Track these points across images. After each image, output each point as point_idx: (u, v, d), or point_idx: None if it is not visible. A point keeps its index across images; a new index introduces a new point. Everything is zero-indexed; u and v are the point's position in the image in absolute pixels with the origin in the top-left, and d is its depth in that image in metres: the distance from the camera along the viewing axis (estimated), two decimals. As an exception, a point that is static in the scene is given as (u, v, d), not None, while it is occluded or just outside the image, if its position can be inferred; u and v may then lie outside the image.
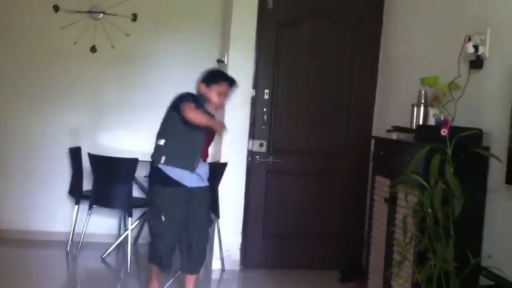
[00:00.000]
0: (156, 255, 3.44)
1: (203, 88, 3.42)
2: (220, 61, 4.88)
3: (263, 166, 4.56)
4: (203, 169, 3.45)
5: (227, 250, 4.48)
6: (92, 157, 4.49)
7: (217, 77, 3.51)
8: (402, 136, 3.37)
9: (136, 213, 4.67)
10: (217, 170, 4.33)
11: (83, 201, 4.70)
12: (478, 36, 3.10)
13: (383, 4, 4.62)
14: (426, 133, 3.12)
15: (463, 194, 2.54)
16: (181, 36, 5.17)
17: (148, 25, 5.19)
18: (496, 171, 2.86)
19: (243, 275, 4.51)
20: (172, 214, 3.34)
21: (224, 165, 4.41)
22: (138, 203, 4.59)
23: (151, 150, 3.44)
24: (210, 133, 3.46)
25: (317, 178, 4.63)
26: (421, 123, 3.35)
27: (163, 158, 3.31)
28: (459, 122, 3.11)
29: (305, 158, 4.61)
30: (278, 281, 4.37)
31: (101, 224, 5.00)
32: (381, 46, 4.64)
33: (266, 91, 4.57)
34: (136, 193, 4.80)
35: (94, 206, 4.55)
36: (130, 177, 4.47)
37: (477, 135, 2.91)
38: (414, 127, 3.38)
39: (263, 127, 4.56)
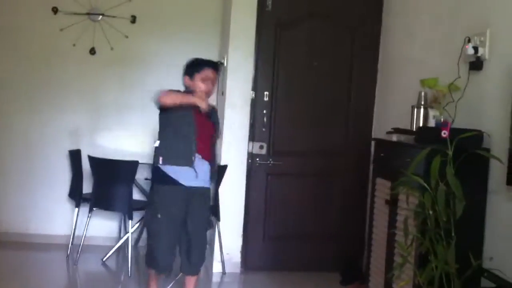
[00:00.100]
0: (153, 255, 3.39)
1: (188, 81, 3.38)
2: (219, 63, 4.87)
3: (263, 168, 4.55)
4: (201, 168, 3.35)
5: (227, 253, 4.47)
6: (92, 159, 4.49)
7: (198, 65, 3.40)
8: (402, 138, 3.36)
9: (137, 215, 4.66)
10: (218, 172, 4.32)
11: (83, 203, 4.70)
12: (478, 37, 3.10)
13: (382, 5, 4.62)
14: (426, 134, 3.12)
15: (464, 195, 2.54)
16: (180, 37, 5.16)
17: (147, 27, 5.19)
18: (496, 172, 2.85)
19: (243, 277, 4.50)
20: (170, 213, 3.30)
21: (224, 167, 4.41)
22: (138, 206, 4.58)
23: (151, 152, 3.45)
24: (203, 127, 3.36)
25: (317, 180, 4.63)
26: (421, 124, 3.34)
27: (161, 159, 3.31)
28: (459, 123, 3.10)
29: (305, 160, 4.60)
30: (279, 283, 4.37)
31: (102, 227, 5.00)
32: (381, 47, 4.64)
33: (265, 93, 4.57)
34: (137, 195, 4.80)
35: (94, 208, 4.54)
36: (130, 179, 4.46)
37: (477, 136, 2.90)
38: (414, 129, 3.38)
39: (263, 129, 4.55)
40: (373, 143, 3.89)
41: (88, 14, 5.09)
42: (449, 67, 3.32)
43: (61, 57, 5.10)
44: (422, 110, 3.37)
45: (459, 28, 3.33)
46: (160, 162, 3.30)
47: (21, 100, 5.07)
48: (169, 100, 3.23)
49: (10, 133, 5.06)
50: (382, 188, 3.46)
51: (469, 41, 3.14)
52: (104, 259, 4.61)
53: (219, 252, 4.47)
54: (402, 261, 2.77)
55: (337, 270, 4.42)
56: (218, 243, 4.46)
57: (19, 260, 4.60)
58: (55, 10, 5.05)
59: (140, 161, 4.40)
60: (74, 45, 5.09)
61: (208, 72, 3.36)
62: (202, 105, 3.26)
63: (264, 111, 4.56)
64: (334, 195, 4.64)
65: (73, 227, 4.71)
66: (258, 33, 4.51)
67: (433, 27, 3.74)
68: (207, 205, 3.51)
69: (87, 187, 4.71)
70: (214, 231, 4.49)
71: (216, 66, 3.43)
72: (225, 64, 4.62)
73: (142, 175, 4.56)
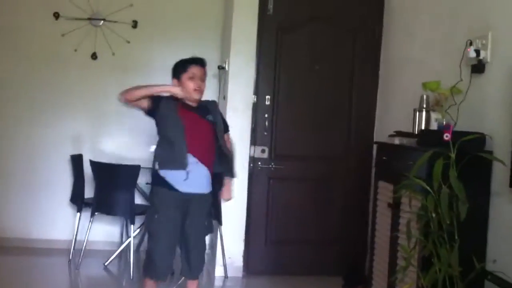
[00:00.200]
0: (151, 259, 3.27)
1: (176, 84, 3.27)
2: (220, 67, 4.88)
3: (265, 172, 4.55)
4: (198, 173, 3.21)
5: (229, 257, 4.47)
6: (93, 164, 4.49)
7: (183, 65, 3.28)
8: (405, 141, 3.36)
9: (138, 220, 4.65)
10: (219, 176, 4.31)
11: (85, 208, 4.70)
12: (480, 40, 3.10)
13: (383, 8, 4.63)
14: (428, 137, 3.12)
15: (467, 198, 2.53)
16: (182, 42, 5.17)
17: (149, 32, 5.20)
18: (499, 174, 2.85)
19: (246, 282, 4.49)
20: (167, 215, 3.20)
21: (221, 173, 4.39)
22: (140, 210, 4.57)
23: (151, 156, 3.42)
24: (196, 126, 3.21)
25: (319, 184, 4.63)
26: (423, 128, 3.35)
27: (157, 164, 3.26)
28: (461, 126, 3.10)
29: (307, 163, 4.60)
30: (281, 287, 4.36)
31: (103, 231, 5.00)
32: (382, 50, 4.64)
33: (267, 96, 4.57)
34: (138, 200, 4.79)
35: (96, 213, 4.54)
36: (132, 184, 4.46)
37: (480, 139, 2.90)
38: (416, 132, 3.38)
39: (265, 133, 4.55)
40: (375, 146, 3.89)
41: (89, 19, 5.10)
42: (451, 70, 3.32)
43: (63, 62, 5.11)
44: (424, 113, 3.38)
45: (460, 30, 3.34)
46: (157, 166, 3.26)
47: (23, 104, 5.08)
48: (130, 96, 3.15)
49: (13, 139, 5.06)
50: (385, 191, 3.46)
51: (471, 44, 3.14)
52: (106, 264, 4.61)
53: (221, 256, 4.46)
54: (405, 264, 2.76)
55: (339, 274, 4.41)
56: (220, 247, 4.45)
57: (22, 265, 4.60)
58: (56, 16, 5.07)
59: (141, 166, 4.40)
60: (75, 50, 5.11)
61: (194, 69, 3.25)
62: (176, 91, 3.18)
63: (266, 115, 4.57)
64: (336, 199, 4.64)
65: (75, 232, 4.72)
66: (259, 37, 4.51)
67: (435, 30, 3.74)
68: (205, 211, 3.37)
69: (89, 192, 4.71)
70: (216, 235, 4.49)
71: (201, 62, 3.31)
72: (226, 68, 4.63)
73: (143, 180, 4.55)
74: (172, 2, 5.23)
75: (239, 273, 4.50)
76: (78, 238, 4.69)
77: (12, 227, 5.01)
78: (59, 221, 5.05)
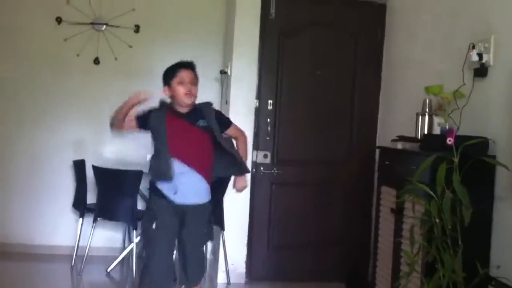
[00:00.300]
0: (148, 267, 3.19)
1: (167, 91, 3.18)
2: (223, 72, 4.87)
3: (267, 177, 4.53)
4: (192, 182, 3.13)
5: (232, 264, 4.44)
6: (96, 169, 4.48)
7: (171, 70, 3.20)
8: (407, 145, 3.34)
9: (141, 226, 4.64)
10: (222, 182, 4.31)
11: (88, 214, 4.69)
12: (482, 44, 3.09)
13: (385, 12, 4.61)
14: (431, 142, 3.11)
15: (470, 203, 2.51)
16: (184, 47, 5.15)
17: (151, 36, 5.20)
18: (503, 179, 2.83)
19: (248, 288, 4.48)
20: (164, 222, 3.13)
21: (228, 177, 4.37)
22: (142, 216, 4.55)
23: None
24: (184, 134, 3.14)
25: (321, 189, 4.60)
26: (426, 132, 3.33)
27: (150, 175, 3.25)
28: (464, 130, 3.08)
29: (309, 168, 4.58)
30: (284, 293, 4.36)
31: (106, 237, 4.99)
32: (384, 54, 4.62)
33: (269, 101, 4.55)
34: (141, 205, 4.77)
35: (98, 219, 4.53)
36: (134, 189, 4.45)
37: (483, 143, 2.88)
38: (419, 137, 3.37)
39: (267, 138, 4.54)
40: (377, 151, 3.88)
41: (92, 24, 5.10)
42: (454, 73, 3.30)
43: (65, 67, 5.11)
44: (426, 117, 3.37)
45: (463, 34, 3.32)
46: (150, 177, 3.25)
47: (25, 109, 5.08)
48: (116, 124, 3.17)
49: (15, 143, 5.06)
50: (387, 196, 3.44)
51: (473, 47, 3.13)
52: (108, 270, 4.59)
53: (223, 262, 4.44)
54: (409, 270, 2.74)
55: (342, 280, 4.39)
56: (222, 253, 4.43)
57: (24, 271, 4.59)
58: (59, 20, 5.07)
59: (144, 171, 4.39)
60: (78, 55, 5.11)
61: (182, 74, 3.15)
62: (144, 96, 3.10)
63: (268, 120, 4.55)
64: (338, 204, 4.61)
65: (77, 238, 4.70)
66: (261, 42, 4.50)
67: (437, 33, 3.73)
68: (203, 220, 3.24)
69: (91, 197, 4.70)
70: (219, 241, 4.47)
71: (189, 65, 3.21)
72: (228, 73, 4.62)
73: (146, 185, 4.53)
74: (174, 7, 5.23)
75: (242, 279, 4.47)
76: (80, 244, 4.68)
77: (14, 233, 5.00)
78: (61, 227, 5.04)
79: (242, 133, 3.39)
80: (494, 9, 3.10)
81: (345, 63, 4.64)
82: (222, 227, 4.39)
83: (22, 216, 5.03)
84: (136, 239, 4.53)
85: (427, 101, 3.39)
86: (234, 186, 3.41)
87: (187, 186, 3.11)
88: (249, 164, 4.38)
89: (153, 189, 3.23)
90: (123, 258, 4.75)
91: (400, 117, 4.16)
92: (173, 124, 3.13)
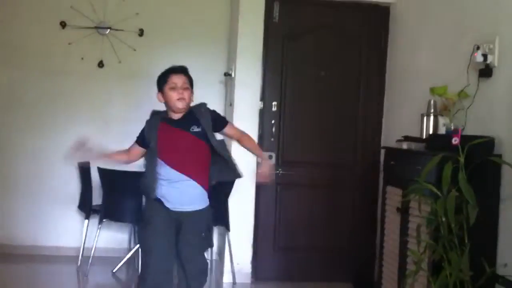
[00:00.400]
0: (143, 276, 3.10)
1: (160, 97, 3.12)
2: (227, 74, 4.90)
3: (272, 178, 4.55)
4: (187, 190, 3.04)
5: (238, 263, 4.46)
6: (101, 171, 4.50)
7: (163, 76, 3.14)
8: (413, 145, 3.38)
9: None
10: (227, 183, 4.33)
11: (93, 215, 4.71)
12: (487, 45, 3.11)
13: (389, 13, 4.64)
14: (437, 142, 3.13)
15: (477, 202, 2.54)
16: (188, 50, 5.18)
17: (155, 40, 5.22)
18: (509, 178, 2.85)
19: (254, 288, 4.50)
20: (158, 227, 3.04)
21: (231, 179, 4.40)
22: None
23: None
24: (178, 140, 3.06)
25: (327, 189, 4.62)
26: (431, 132, 3.36)
27: (140, 186, 3.22)
28: (470, 131, 3.11)
29: (314, 169, 4.60)
30: (289, 293, 4.38)
31: (111, 238, 5.00)
32: (388, 55, 4.65)
33: (274, 103, 4.58)
34: (146, 207, 4.80)
35: (104, 220, 4.55)
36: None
37: (488, 143, 2.90)
38: (424, 137, 3.40)
39: (272, 140, 4.56)
40: (383, 151, 3.90)
41: (96, 28, 5.13)
42: (458, 74, 3.33)
43: (70, 70, 5.13)
44: (432, 118, 3.39)
45: (467, 35, 3.35)
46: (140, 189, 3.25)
47: (30, 113, 5.10)
48: (123, 162, 3.27)
49: (20, 146, 5.09)
50: (393, 196, 3.46)
51: (478, 48, 3.15)
52: (114, 271, 4.61)
53: (229, 263, 4.46)
54: (416, 269, 2.76)
55: (348, 280, 4.41)
56: (228, 254, 4.45)
57: (30, 273, 4.61)
58: (63, 24, 5.10)
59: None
60: (82, 58, 5.13)
61: (174, 79, 3.09)
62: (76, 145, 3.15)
63: (273, 122, 4.58)
64: (343, 204, 4.64)
65: (83, 239, 4.72)
66: (265, 44, 4.53)
67: (441, 34, 3.75)
68: (200, 226, 3.12)
69: (96, 199, 4.72)
70: (224, 241, 4.49)
71: (181, 70, 3.15)
72: (232, 75, 4.64)
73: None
74: (178, 10, 5.25)
75: (248, 280, 4.49)
76: (86, 245, 4.70)
77: (20, 235, 5.02)
78: (67, 228, 5.06)
79: (242, 131, 3.31)
80: (498, 10, 3.12)
81: (349, 65, 4.67)
82: (227, 228, 4.41)
83: (28, 218, 5.05)
84: (141, 241, 4.56)
85: (432, 102, 3.42)
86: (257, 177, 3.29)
87: (181, 194, 3.04)
88: (253, 166, 4.44)
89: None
90: (128, 259, 4.76)
91: (405, 118, 4.19)
92: (166, 132, 3.08)
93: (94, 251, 4.56)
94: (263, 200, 4.54)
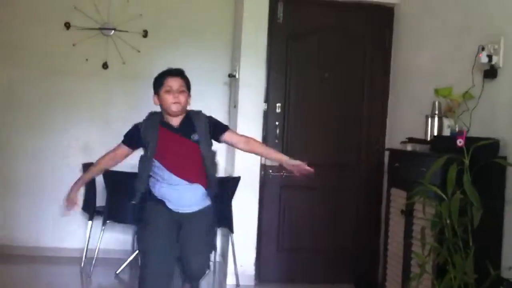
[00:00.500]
0: (142, 277, 3.01)
1: (156, 100, 3.07)
2: (231, 76, 4.89)
3: (276, 180, 4.54)
4: (187, 193, 3.01)
5: (241, 265, 4.45)
6: (105, 172, 4.49)
7: (159, 78, 3.09)
8: (417, 147, 3.36)
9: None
10: (230, 184, 4.32)
11: (97, 216, 4.70)
12: (492, 46, 3.09)
13: (393, 14, 4.62)
14: (441, 144, 3.12)
15: (481, 204, 2.52)
16: (192, 51, 5.18)
17: (159, 41, 5.22)
18: (514, 181, 2.84)
19: (257, 290, 4.49)
20: (157, 226, 2.98)
21: (237, 179, 4.40)
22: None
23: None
24: (176, 147, 3.02)
25: (330, 191, 4.60)
26: (435, 134, 3.34)
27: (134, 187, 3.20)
28: (474, 132, 3.09)
29: (318, 171, 4.50)
30: (293, 295, 4.36)
31: (115, 239, 4.99)
32: (392, 56, 4.63)
33: (278, 104, 4.57)
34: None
35: (107, 221, 4.54)
36: (143, 192, 4.45)
37: (493, 144, 2.89)
38: (428, 139, 3.38)
39: (276, 141, 4.55)
40: (387, 153, 3.87)
41: (100, 29, 5.13)
42: (463, 75, 3.31)
43: (74, 71, 5.14)
44: (436, 119, 3.37)
45: (472, 36, 3.33)
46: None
47: (34, 113, 5.11)
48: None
49: (23, 147, 5.09)
50: (397, 198, 3.45)
51: (483, 49, 3.13)
52: (117, 272, 4.61)
53: (233, 265, 4.44)
54: (420, 272, 2.74)
55: (352, 282, 4.39)
56: (232, 256, 4.44)
57: (33, 274, 4.61)
58: (67, 26, 5.10)
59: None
60: (86, 59, 5.13)
61: (169, 81, 3.03)
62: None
63: (277, 123, 4.57)
64: (347, 206, 4.62)
65: (87, 240, 4.72)
66: (269, 45, 4.52)
67: (446, 35, 3.74)
68: (202, 227, 3.07)
69: (100, 200, 4.72)
70: (228, 243, 4.48)
71: (177, 73, 3.08)
72: (236, 76, 4.64)
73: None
74: (182, 11, 5.25)
75: (251, 282, 4.48)
76: (89, 246, 4.70)
77: (23, 236, 5.03)
78: (70, 230, 5.05)
79: (246, 136, 3.22)
80: (503, 11, 3.10)
81: (353, 66, 4.66)
82: (231, 230, 4.40)
83: (31, 219, 5.05)
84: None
85: (437, 103, 3.40)
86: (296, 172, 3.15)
87: (181, 195, 3.00)
88: (257, 167, 4.44)
89: (148, 194, 3.10)
90: (132, 261, 4.75)
91: (409, 118, 4.17)
92: (166, 137, 3.03)
93: (97, 253, 4.56)
94: (267, 202, 4.53)
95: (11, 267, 4.74)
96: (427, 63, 3.99)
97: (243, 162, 4.45)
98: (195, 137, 3.02)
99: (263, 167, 4.52)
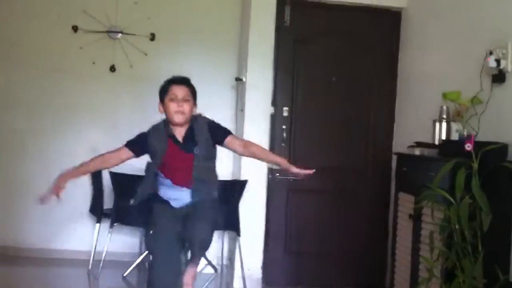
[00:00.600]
0: (150, 279, 3.09)
1: (161, 107, 3.09)
2: (238, 79, 4.90)
3: (283, 184, 4.54)
4: (188, 195, 3.08)
5: (248, 269, 4.44)
6: (113, 175, 4.51)
7: (164, 86, 3.10)
8: (425, 151, 3.36)
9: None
10: (237, 187, 4.33)
11: (104, 219, 4.72)
12: (500, 50, 3.09)
13: (400, 18, 4.62)
14: (450, 148, 3.11)
15: (490, 209, 2.52)
16: (199, 54, 5.20)
17: (166, 44, 5.23)
18: (522, 185, 2.83)
19: (264, 294, 4.48)
20: (163, 227, 3.03)
21: (244, 182, 4.40)
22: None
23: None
24: (175, 163, 3.07)
25: (337, 195, 4.60)
26: (443, 138, 3.33)
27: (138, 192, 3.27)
28: (483, 136, 3.09)
29: (325, 175, 4.57)
30: (300, 299, 4.36)
31: (122, 242, 4.99)
32: (400, 60, 4.62)
33: (285, 108, 4.57)
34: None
35: (115, 224, 4.55)
36: (150, 195, 4.47)
37: (502, 149, 2.89)
38: (436, 143, 3.38)
39: (283, 145, 4.55)
40: (395, 157, 3.87)
41: (107, 32, 5.15)
42: (471, 79, 3.31)
43: (82, 74, 5.15)
44: (444, 124, 3.37)
45: (480, 40, 3.33)
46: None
47: (42, 117, 5.13)
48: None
49: (32, 150, 5.11)
50: (405, 202, 3.45)
51: (491, 53, 3.13)
52: (125, 275, 4.60)
53: (240, 269, 4.44)
54: (429, 276, 2.75)
55: (359, 286, 4.38)
56: (239, 259, 4.44)
57: (41, 276, 4.62)
58: (75, 29, 5.12)
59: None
60: (94, 62, 5.15)
61: (174, 89, 3.03)
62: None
63: (284, 127, 4.57)
64: (355, 210, 4.61)
65: (94, 243, 4.73)
66: (276, 49, 4.52)
67: (453, 40, 3.74)
68: (205, 212, 3.06)
69: (108, 203, 4.74)
70: (235, 246, 4.48)
71: (182, 81, 3.07)
72: (244, 80, 4.64)
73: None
74: (189, 15, 5.26)
75: (258, 285, 4.47)
76: (97, 249, 4.71)
77: (31, 238, 5.04)
78: (78, 232, 5.07)
79: (246, 141, 3.25)
80: (511, 16, 3.10)
81: (360, 70, 4.66)
82: (238, 233, 4.40)
83: (40, 221, 5.06)
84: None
85: (445, 107, 3.40)
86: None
87: (182, 197, 3.08)
88: (264, 171, 4.44)
89: (153, 196, 3.18)
90: (139, 263, 4.76)
91: (416, 123, 4.16)
92: (173, 152, 3.07)
93: (105, 255, 4.57)
94: (274, 205, 4.53)
95: (19, 269, 4.76)
96: (435, 68, 3.99)
97: (250, 166, 4.46)
98: (197, 150, 3.06)
99: (270, 171, 4.52)
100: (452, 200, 2.64)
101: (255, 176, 4.46)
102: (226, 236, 4.94)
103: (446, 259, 2.73)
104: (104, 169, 3.36)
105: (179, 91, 3.03)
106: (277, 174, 4.53)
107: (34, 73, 5.11)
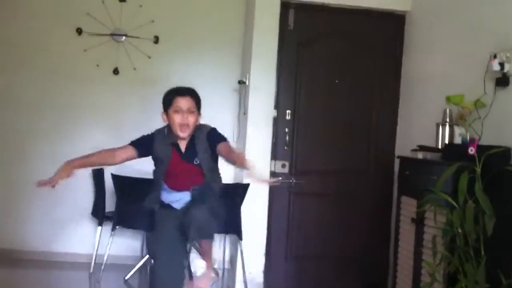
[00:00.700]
0: (152, 282, 3.16)
1: (165, 117, 3.07)
2: (241, 82, 4.89)
3: (285, 187, 4.53)
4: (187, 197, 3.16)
5: (250, 273, 4.43)
6: (115, 178, 4.51)
7: (168, 96, 3.06)
8: (428, 155, 3.33)
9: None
10: (239, 191, 4.31)
11: (106, 222, 4.72)
12: (504, 54, 3.08)
13: (404, 21, 4.61)
14: (453, 152, 3.09)
15: (493, 213, 2.50)
16: (203, 57, 5.20)
17: (170, 47, 5.24)
18: (526, 189, 2.80)
19: (266, 297, 4.46)
20: (166, 230, 3.07)
21: (246, 186, 4.39)
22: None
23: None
24: (182, 172, 3.13)
25: (340, 199, 4.58)
26: (446, 142, 3.31)
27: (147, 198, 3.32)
28: (486, 140, 3.07)
29: (327, 178, 4.57)
30: (302, 303, 4.33)
31: (124, 245, 5.00)
32: (403, 64, 4.61)
33: (287, 111, 4.56)
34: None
35: (117, 227, 4.55)
36: (152, 198, 4.46)
37: (505, 152, 2.87)
38: (439, 147, 3.36)
39: (285, 148, 4.54)
40: (397, 161, 3.85)
41: (111, 35, 5.16)
42: (474, 83, 3.29)
43: (85, 77, 5.16)
44: (447, 127, 3.35)
45: (483, 44, 3.31)
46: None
47: (45, 119, 5.14)
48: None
49: (34, 152, 5.11)
50: (408, 206, 3.42)
51: (494, 57, 3.11)
52: (126, 278, 4.60)
53: (241, 272, 4.42)
54: (431, 281, 2.72)
55: (361, 290, 4.37)
56: (240, 263, 4.42)
57: (42, 279, 4.62)
58: (79, 31, 5.14)
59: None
60: (98, 65, 5.16)
61: (179, 101, 2.99)
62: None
63: (286, 130, 4.55)
64: (357, 214, 4.59)
65: (96, 246, 4.73)
66: (280, 52, 4.50)
67: (457, 43, 3.72)
68: (206, 200, 3.05)
69: (110, 206, 4.73)
70: (237, 250, 4.46)
71: (187, 92, 3.03)
72: (247, 83, 4.64)
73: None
74: (193, 18, 5.27)
75: (260, 289, 4.47)
76: (99, 252, 4.70)
77: (33, 241, 5.05)
78: (80, 235, 5.07)
79: (235, 151, 3.12)
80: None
81: (363, 73, 4.64)
82: (239, 237, 4.39)
83: (41, 224, 5.07)
84: (154, 248, 4.55)
85: (448, 111, 3.38)
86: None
87: (184, 198, 3.16)
88: (267, 174, 4.42)
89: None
90: (141, 266, 4.76)
91: (419, 126, 4.15)
92: (175, 161, 3.10)
93: (106, 258, 4.56)
94: (276, 209, 4.51)
95: (21, 272, 4.76)
96: (438, 71, 3.97)
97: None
98: (197, 161, 3.10)
99: (272, 174, 4.51)
100: (455, 204, 2.62)
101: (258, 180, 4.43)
102: (228, 239, 4.93)
103: (449, 263, 2.70)
104: (107, 165, 3.38)
105: (184, 103, 3.00)
106: (280, 178, 4.51)
107: (37, 74, 5.13)
